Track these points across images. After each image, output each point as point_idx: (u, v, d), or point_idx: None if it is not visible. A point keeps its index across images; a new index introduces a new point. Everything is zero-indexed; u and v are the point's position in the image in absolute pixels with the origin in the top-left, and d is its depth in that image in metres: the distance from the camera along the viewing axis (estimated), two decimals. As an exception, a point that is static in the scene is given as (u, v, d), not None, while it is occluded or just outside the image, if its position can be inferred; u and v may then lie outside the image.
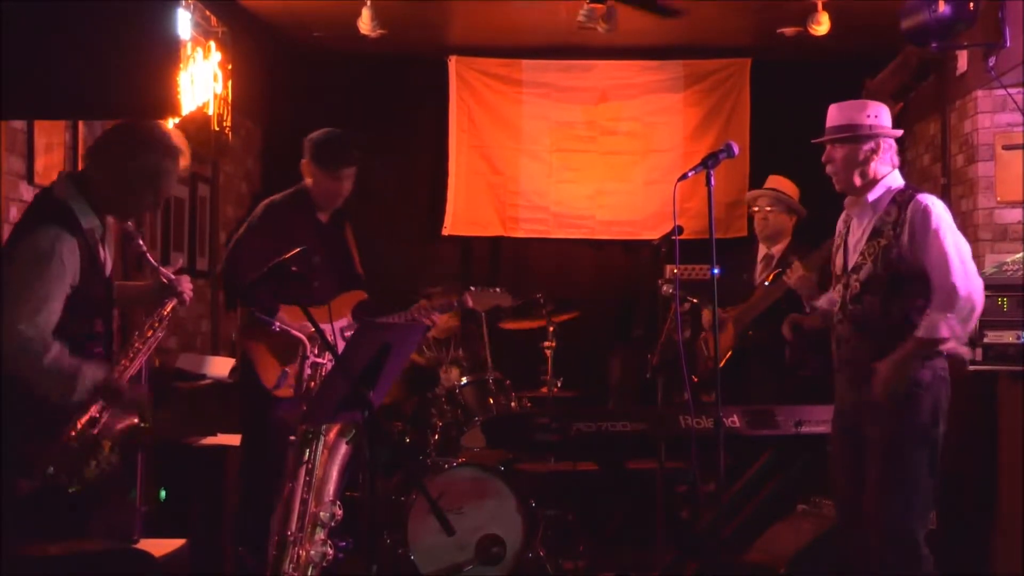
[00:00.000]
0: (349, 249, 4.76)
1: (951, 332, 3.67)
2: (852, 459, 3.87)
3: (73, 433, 3.10)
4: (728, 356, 5.43)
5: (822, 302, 4.22)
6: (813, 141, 4.00)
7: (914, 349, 3.71)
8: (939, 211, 3.77)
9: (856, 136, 3.85)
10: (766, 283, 5.34)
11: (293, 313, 4.24)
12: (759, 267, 5.63)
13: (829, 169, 3.94)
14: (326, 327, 3.60)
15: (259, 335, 4.36)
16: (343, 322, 4.53)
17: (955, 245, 3.73)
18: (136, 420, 3.24)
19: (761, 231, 5.65)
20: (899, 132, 3.97)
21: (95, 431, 3.14)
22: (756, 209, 5.65)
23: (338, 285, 4.59)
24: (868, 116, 3.87)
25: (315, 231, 4.58)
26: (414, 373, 5.94)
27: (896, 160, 3.93)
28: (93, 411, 3.14)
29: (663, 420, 4.63)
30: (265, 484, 4.10)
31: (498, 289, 5.12)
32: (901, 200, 3.82)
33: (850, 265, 3.89)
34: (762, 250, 5.65)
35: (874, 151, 3.86)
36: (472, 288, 5.04)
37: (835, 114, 3.94)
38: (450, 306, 4.97)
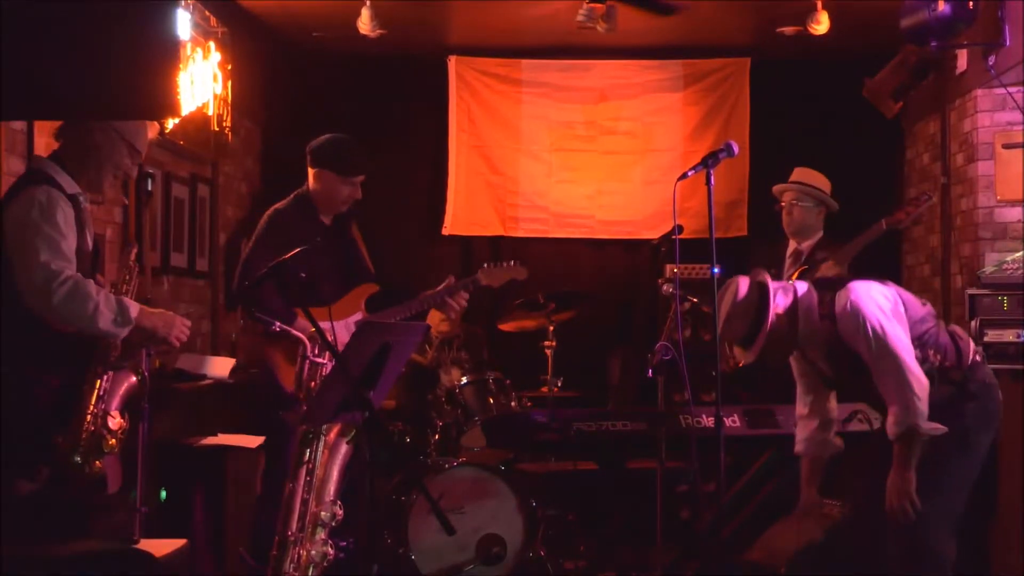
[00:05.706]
0: (357, 247, 4.76)
1: (918, 413, 3.46)
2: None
3: (89, 416, 3.16)
4: None
5: None
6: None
7: (901, 451, 3.51)
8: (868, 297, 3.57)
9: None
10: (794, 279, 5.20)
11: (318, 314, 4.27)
12: (787, 263, 5.32)
13: None
14: (328, 326, 3.58)
15: (277, 340, 4.33)
16: (357, 316, 4.55)
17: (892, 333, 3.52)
18: (134, 377, 3.30)
19: (787, 226, 5.32)
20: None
21: (104, 405, 3.20)
22: (783, 204, 5.31)
23: (347, 284, 4.61)
24: None
25: (321, 234, 4.57)
26: (414, 373, 5.93)
27: None
28: (102, 386, 3.21)
29: (663, 420, 4.63)
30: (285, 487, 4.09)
31: (512, 263, 4.87)
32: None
33: None
34: (791, 245, 5.33)
35: None
36: (485, 265, 4.86)
37: None
38: (465, 286, 4.69)
